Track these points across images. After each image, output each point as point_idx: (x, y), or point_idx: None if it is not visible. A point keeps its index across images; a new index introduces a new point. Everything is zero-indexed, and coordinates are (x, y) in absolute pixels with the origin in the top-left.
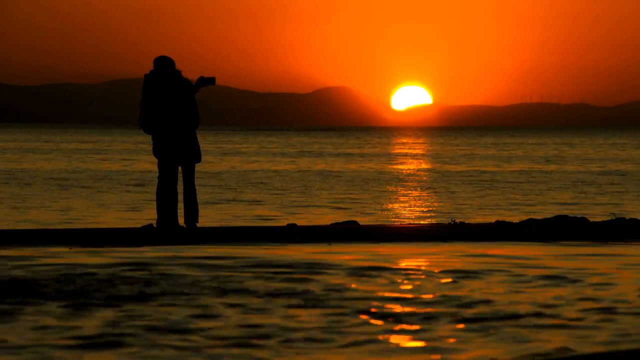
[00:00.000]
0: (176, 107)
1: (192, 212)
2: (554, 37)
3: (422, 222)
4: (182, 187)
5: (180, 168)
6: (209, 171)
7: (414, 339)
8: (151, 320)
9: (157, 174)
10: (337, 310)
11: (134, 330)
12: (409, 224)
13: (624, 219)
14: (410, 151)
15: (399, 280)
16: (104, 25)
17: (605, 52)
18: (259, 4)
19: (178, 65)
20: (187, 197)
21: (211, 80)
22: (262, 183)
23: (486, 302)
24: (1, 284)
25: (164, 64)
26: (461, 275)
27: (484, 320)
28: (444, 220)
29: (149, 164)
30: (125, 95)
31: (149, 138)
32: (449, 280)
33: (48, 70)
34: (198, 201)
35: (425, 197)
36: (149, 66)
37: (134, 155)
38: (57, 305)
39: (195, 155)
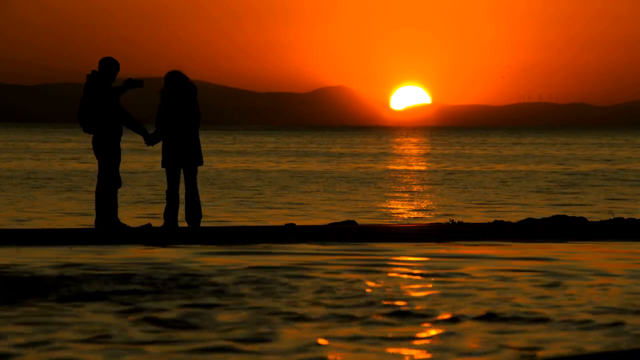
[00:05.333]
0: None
1: (195, 213)
2: (552, 36)
3: (420, 222)
4: (185, 189)
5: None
6: (208, 171)
7: (413, 339)
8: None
9: (98, 174)
10: (334, 311)
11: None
12: (408, 223)
13: (623, 218)
14: (409, 151)
15: (398, 280)
16: (104, 25)
17: (603, 51)
18: (260, 3)
19: (180, 65)
20: (190, 199)
21: (139, 83)
22: (260, 182)
23: (485, 301)
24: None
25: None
26: (460, 275)
27: (483, 320)
28: (443, 220)
29: (137, 164)
30: (126, 94)
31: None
32: (448, 280)
33: (48, 69)
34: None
35: (424, 197)
36: (149, 65)
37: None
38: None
39: (197, 158)
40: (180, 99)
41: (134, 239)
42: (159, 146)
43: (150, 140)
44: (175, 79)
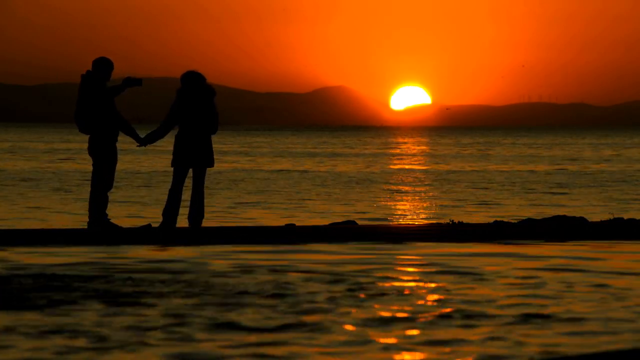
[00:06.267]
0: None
1: (198, 214)
2: (552, 36)
3: (421, 222)
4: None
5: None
6: (207, 171)
7: (413, 339)
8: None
9: (93, 174)
10: (334, 310)
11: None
12: (408, 224)
13: (622, 218)
14: (409, 151)
15: (398, 281)
16: (104, 25)
17: (603, 51)
18: (260, 3)
19: (180, 65)
20: (195, 200)
21: (137, 82)
22: (260, 182)
23: (485, 302)
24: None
25: (102, 68)
26: (460, 275)
27: (483, 321)
28: (443, 220)
29: (129, 164)
30: (127, 92)
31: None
32: (448, 280)
33: (48, 69)
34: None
35: (424, 197)
36: (150, 65)
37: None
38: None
39: (208, 160)
40: (197, 99)
41: (134, 239)
42: (164, 146)
43: (144, 140)
44: (193, 79)
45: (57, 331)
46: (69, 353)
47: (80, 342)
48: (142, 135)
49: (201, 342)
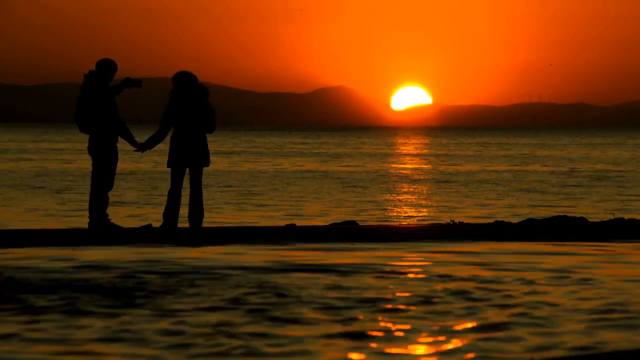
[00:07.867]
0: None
1: (197, 214)
2: (552, 36)
3: (421, 222)
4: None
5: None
6: (207, 171)
7: (414, 340)
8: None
9: (93, 174)
10: (335, 310)
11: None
12: (409, 224)
13: (623, 218)
14: (409, 151)
15: (398, 281)
16: (104, 25)
17: (603, 51)
18: (260, 3)
19: (180, 65)
20: (193, 200)
21: (137, 83)
22: (260, 182)
23: (485, 302)
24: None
25: (105, 68)
26: (461, 275)
27: (484, 320)
28: (443, 220)
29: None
30: (126, 93)
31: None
32: (449, 280)
33: (48, 69)
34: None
35: (425, 197)
36: (149, 65)
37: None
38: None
39: (204, 159)
40: (190, 99)
41: (135, 239)
42: (164, 147)
43: (143, 145)
44: (184, 79)
45: (58, 333)
46: (74, 355)
47: (86, 346)
48: (141, 139)
49: (202, 341)
